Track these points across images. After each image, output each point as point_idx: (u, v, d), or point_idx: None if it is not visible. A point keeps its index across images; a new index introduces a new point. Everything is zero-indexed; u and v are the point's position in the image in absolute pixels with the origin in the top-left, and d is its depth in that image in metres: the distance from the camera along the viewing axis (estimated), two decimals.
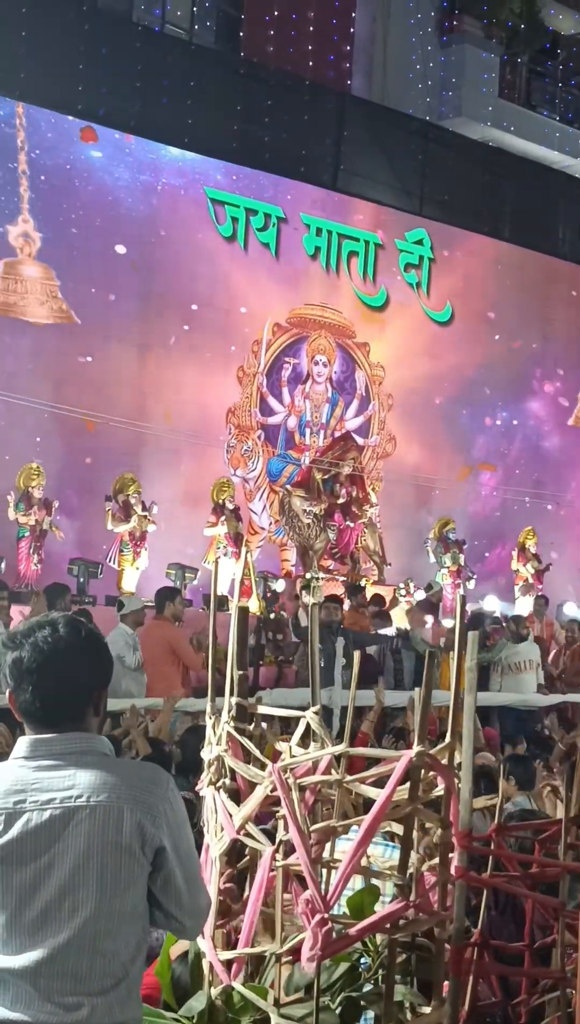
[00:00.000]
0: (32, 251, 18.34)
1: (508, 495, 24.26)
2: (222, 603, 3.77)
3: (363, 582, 19.13)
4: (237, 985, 3.31)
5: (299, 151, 21.35)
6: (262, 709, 3.83)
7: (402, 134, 22.79)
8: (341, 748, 3.35)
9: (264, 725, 3.75)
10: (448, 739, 3.33)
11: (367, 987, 3.41)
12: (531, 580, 22.02)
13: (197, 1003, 3.40)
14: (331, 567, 19.55)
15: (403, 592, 19.59)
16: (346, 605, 15.26)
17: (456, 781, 3.25)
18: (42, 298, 18.44)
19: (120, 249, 19.01)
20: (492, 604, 20.67)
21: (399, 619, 18.05)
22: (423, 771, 3.25)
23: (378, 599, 17.40)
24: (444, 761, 3.30)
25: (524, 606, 20.60)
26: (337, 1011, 3.31)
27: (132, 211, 19.28)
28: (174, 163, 19.83)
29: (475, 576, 21.82)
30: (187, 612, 13.39)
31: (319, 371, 21.53)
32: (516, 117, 25.74)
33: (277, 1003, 3.22)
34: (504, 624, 17.33)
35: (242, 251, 20.73)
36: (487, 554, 23.58)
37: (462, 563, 21.28)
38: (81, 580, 16.74)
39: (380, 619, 16.47)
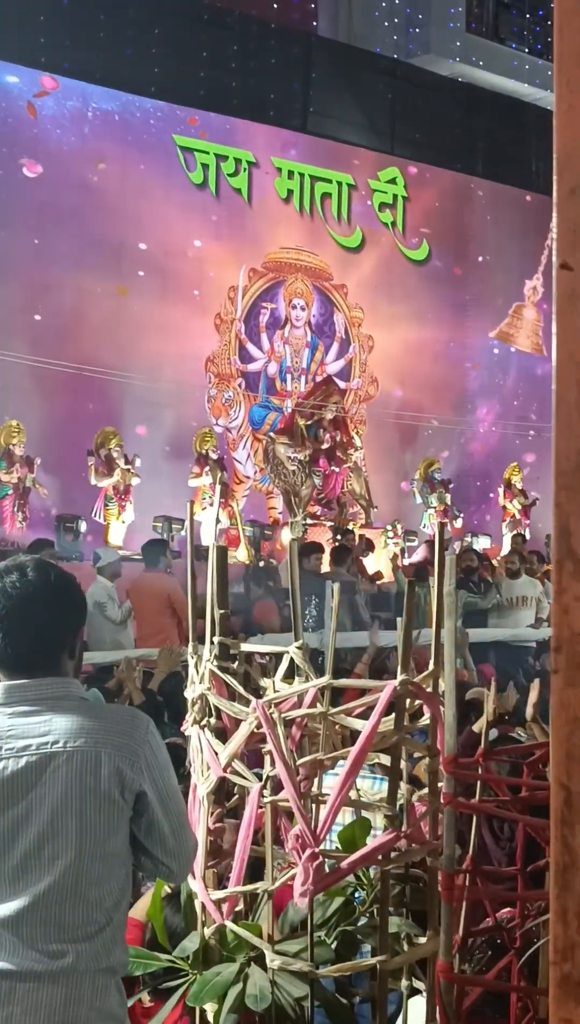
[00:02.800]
0: None
1: (503, 430, 24.23)
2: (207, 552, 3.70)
3: (350, 526, 19.11)
4: (230, 924, 3.29)
5: (267, 95, 21.17)
6: (245, 647, 3.79)
7: (370, 73, 22.58)
8: (325, 680, 3.31)
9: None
10: (431, 666, 3.30)
11: (362, 921, 3.39)
12: (518, 516, 22.02)
13: (190, 944, 3.38)
14: (318, 512, 19.51)
15: (390, 535, 19.60)
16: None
17: (442, 708, 3.21)
18: None
19: (92, 201, 18.81)
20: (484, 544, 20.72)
21: (387, 561, 18.07)
22: (408, 700, 3.22)
23: (366, 542, 17.38)
24: (429, 689, 3.27)
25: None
26: (333, 946, 3.28)
27: (102, 162, 19.07)
28: (141, 112, 19.61)
29: (462, 515, 21.82)
30: (176, 564, 13.34)
31: (297, 315, 21.42)
32: (485, 51, 25.49)
33: (271, 940, 3.20)
34: (492, 563, 17.34)
35: (214, 198, 20.56)
36: (484, 491, 23.56)
37: (448, 503, 21.27)
38: (72, 538, 16.72)
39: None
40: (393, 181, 22.96)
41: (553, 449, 1.16)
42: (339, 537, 16.69)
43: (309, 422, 19.66)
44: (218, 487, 4.70)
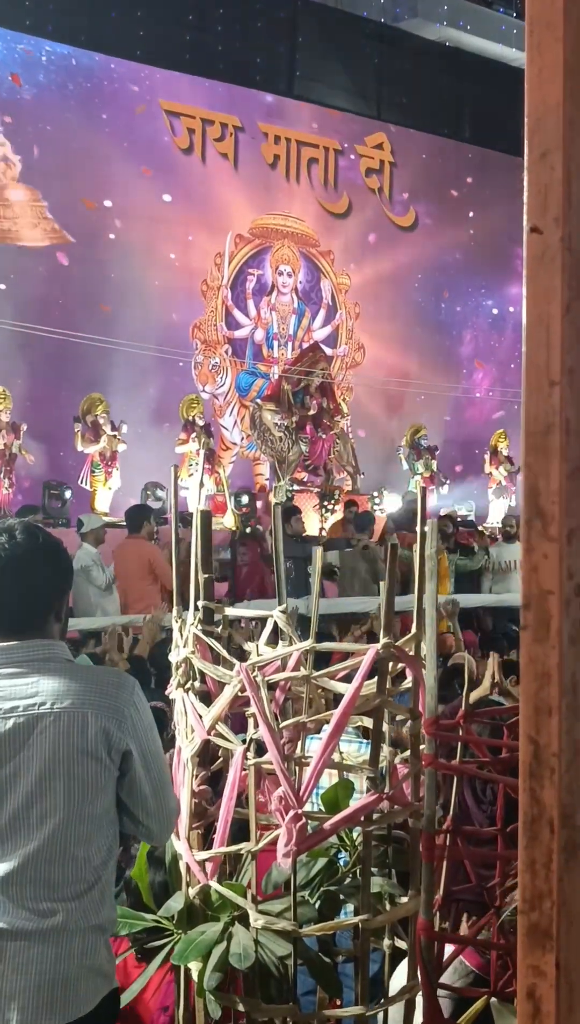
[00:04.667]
0: None
1: (491, 396, 24.25)
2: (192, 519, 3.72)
3: (337, 493, 19.14)
4: (214, 884, 3.32)
5: (253, 59, 21.07)
6: (229, 611, 3.81)
7: (357, 37, 22.47)
8: (308, 644, 3.33)
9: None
10: (414, 630, 3.32)
11: (345, 881, 3.42)
12: (504, 482, 22.05)
13: (175, 903, 3.41)
14: (305, 479, 19.52)
15: (377, 501, 19.63)
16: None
17: (423, 671, 3.23)
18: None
19: (77, 166, 18.72)
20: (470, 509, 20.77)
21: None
22: (391, 663, 3.24)
23: (353, 506, 17.42)
24: (411, 652, 3.29)
25: (498, 509, 20.65)
26: (316, 905, 3.31)
27: (86, 128, 18.97)
28: (127, 76, 19.50)
29: (448, 481, 21.86)
30: (162, 530, 13.35)
31: (284, 282, 21.37)
32: (471, 15, 25.36)
33: (255, 900, 3.23)
34: (480, 529, 17.40)
35: (200, 163, 20.47)
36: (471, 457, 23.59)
37: (434, 469, 21.30)
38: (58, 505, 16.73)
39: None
40: (380, 146, 22.90)
41: (523, 410, 1.18)
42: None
43: (296, 388, 19.65)
44: (203, 453, 4.70)
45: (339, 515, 17.81)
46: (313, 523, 17.99)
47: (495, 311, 24.86)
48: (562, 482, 1.15)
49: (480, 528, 18.69)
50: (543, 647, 1.15)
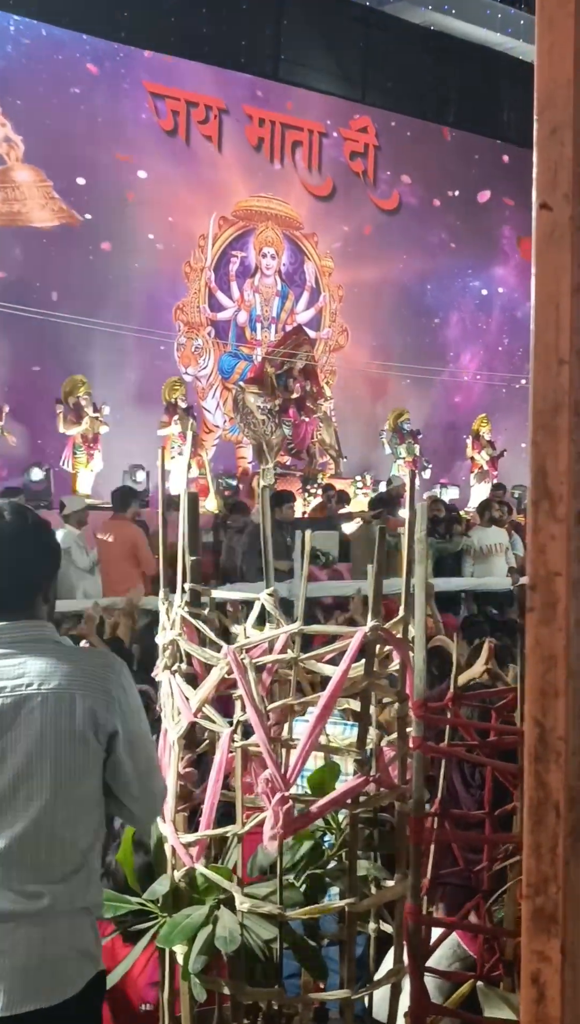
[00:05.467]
0: None
1: (474, 380, 24.25)
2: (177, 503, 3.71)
3: (320, 476, 19.13)
4: (200, 867, 3.31)
5: (238, 41, 20.96)
6: (217, 594, 3.80)
7: (342, 21, 22.35)
8: (295, 627, 3.32)
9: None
10: (401, 612, 3.32)
11: (331, 864, 3.42)
12: (486, 467, 22.07)
13: (161, 886, 3.40)
14: (288, 463, 19.50)
15: (360, 485, 19.63)
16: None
17: (411, 654, 3.23)
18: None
19: (62, 148, 18.62)
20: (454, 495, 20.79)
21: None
22: (378, 646, 3.23)
23: (331, 489, 17.43)
24: (399, 635, 3.28)
25: (480, 493, 20.65)
26: (301, 889, 3.31)
27: (71, 108, 18.87)
28: (111, 58, 19.40)
29: (431, 466, 21.87)
30: (146, 512, 13.32)
31: (267, 264, 21.31)
32: None
33: (241, 883, 3.22)
34: (462, 512, 17.42)
35: (184, 145, 20.39)
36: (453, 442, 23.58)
37: (417, 453, 21.30)
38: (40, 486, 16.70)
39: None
40: (364, 130, 22.84)
41: (531, 389, 1.17)
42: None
43: (279, 371, 19.61)
44: (189, 435, 4.69)
45: (321, 499, 17.82)
46: (296, 507, 17.98)
47: (484, 292, 24.85)
48: (570, 463, 1.14)
49: (462, 512, 18.72)
50: (550, 629, 1.14)
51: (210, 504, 17.52)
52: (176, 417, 18.40)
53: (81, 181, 18.90)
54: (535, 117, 1.16)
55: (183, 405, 18.70)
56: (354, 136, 22.69)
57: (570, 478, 1.13)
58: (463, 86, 24.01)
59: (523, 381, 24.97)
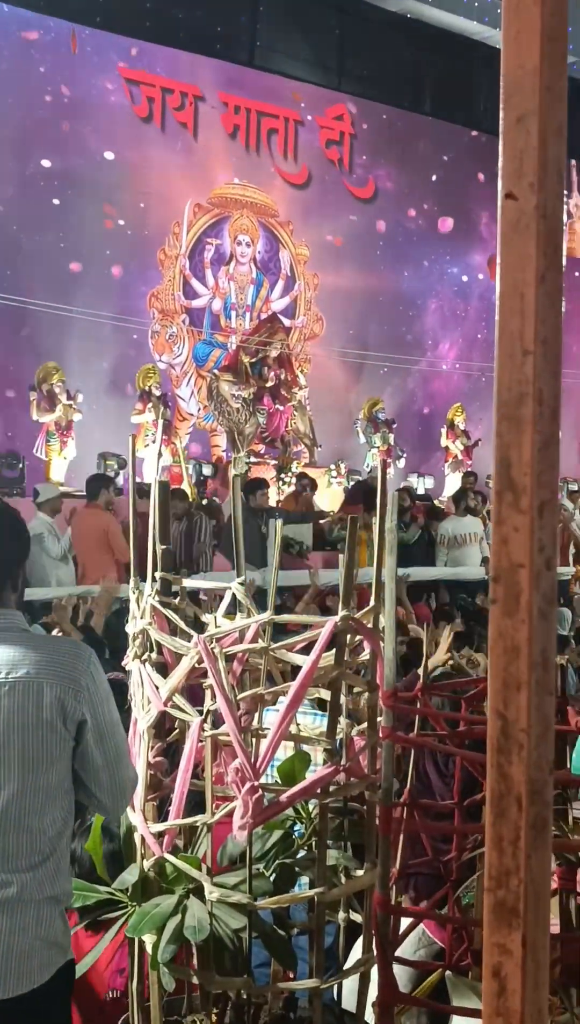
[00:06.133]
0: None
1: (451, 369, 24.27)
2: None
3: (294, 465, 19.13)
4: (169, 856, 3.31)
5: (215, 28, 20.89)
6: (187, 583, 3.79)
7: (318, 8, 22.30)
8: (266, 616, 3.31)
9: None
10: (372, 602, 3.31)
11: (301, 853, 3.42)
12: (460, 456, 22.11)
13: (130, 876, 3.40)
14: (262, 451, 19.49)
15: (334, 474, 19.64)
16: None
17: (382, 643, 3.23)
18: None
19: (36, 133, 18.54)
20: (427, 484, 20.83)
21: (332, 501, 18.13)
22: (349, 635, 3.23)
23: (305, 478, 17.45)
24: (369, 625, 3.28)
25: (454, 482, 20.69)
26: (271, 878, 3.31)
27: (46, 94, 18.79)
28: (86, 43, 19.30)
29: (405, 454, 21.89)
30: (119, 501, 13.30)
31: (242, 251, 21.28)
32: None
33: (210, 872, 3.22)
34: (436, 502, 17.45)
35: (160, 132, 20.33)
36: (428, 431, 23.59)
37: (391, 442, 21.31)
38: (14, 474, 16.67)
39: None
40: (340, 118, 22.81)
41: (495, 380, 1.16)
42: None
43: (253, 359, 19.60)
44: (161, 424, 4.67)
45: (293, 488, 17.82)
46: (270, 496, 17.98)
47: (464, 279, 24.85)
48: (534, 454, 1.13)
49: (435, 501, 18.77)
50: (512, 621, 1.14)
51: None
52: (150, 405, 18.36)
53: (53, 166, 18.80)
54: (501, 105, 1.15)
55: (157, 393, 18.67)
56: (330, 124, 22.66)
57: (534, 469, 1.13)
58: (439, 74, 24.00)
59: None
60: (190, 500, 16.01)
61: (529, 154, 1.14)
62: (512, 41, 1.16)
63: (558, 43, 1.16)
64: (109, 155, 19.46)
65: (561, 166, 1.15)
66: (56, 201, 18.88)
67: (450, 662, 5.33)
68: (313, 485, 17.43)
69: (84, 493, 12.94)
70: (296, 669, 3.21)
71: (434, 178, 24.14)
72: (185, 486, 17.58)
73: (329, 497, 18.53)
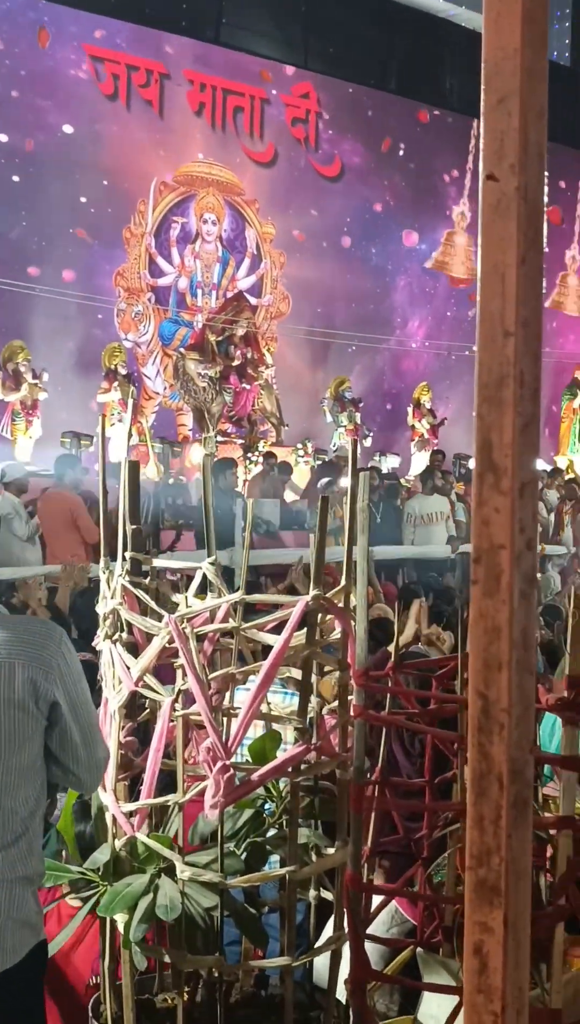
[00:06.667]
0: None
1: (415, 349, 24.29)
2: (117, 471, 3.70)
3: (261, 444, 19.11)
4: (141, 836, 3.31)
5: (180, 5, 20.79)
6: (157, 562, 3.79)
7: None
8: (237, 596, 3.32)
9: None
10: (343, 582, 3.32)
11: (272, 832, 3.43)
12: (426, 435, 22.14)
13: (102, 855, 3.40)
14: (229, 430, 19.46)
15: (301, 453, 19.63)
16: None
17: (353, 623, 3.24)
18: None
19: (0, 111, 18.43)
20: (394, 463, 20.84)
21: (299, 480, 18.14)
22: (320, 615, 3.24)
23: (272, 457, 17.45)
24: (340, 604, 3.29)
25: (420, 461, 20.73)
26: (242, 857, 3.32)
27: (10, 71, 18.64)
28: (52, 20, 19.16)
29: (371, 433, 21.90)
30: (85, 480, 13.26)
31: (208, 230, 21.20)
32: None
33: (182, 851, 3.23)
34: (403, 480, 17.48)
35: (125, 109, 20.21)
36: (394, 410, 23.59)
37: (358, 421, 21.32)
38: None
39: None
40: (306, 95, 22.73)
41: (476, 361, 1.17)
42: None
43: (220, 338, 19.55)
44: (130, 403, 4.66)
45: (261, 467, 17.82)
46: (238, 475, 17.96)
47: (426, 263, 24.87)
48: (515, 435, 1.14)
49: (402, 480, 18.81)
50: (493, 601, 1.14)
51: (150, 471, 17.45)
52: (116, 383, 18.31)
53: (13, 142, 18.67)
54: (482, 87, 1.16)
55: (123, 371, 18.61)
56: (296, 102, 22.60)
57: (515, 451, 1.13)
58: (405, 53, 23.94)
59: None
60: (157, 479, 16.02)
61: (510, 136, 1.14)
62: (493, 24, 1.16)
63: (538, 25, 1.16)
64: (72, 131, 19.33)
65: (542, 148, 1.15)
66: (16, 178, 18.76)
67: (426, 633, 5.36)
68: (288, 469, 17.45)
69: (51, 473, 12.89)
70: (267, 649, 3.22)
71: (400, 155, 24.09)
72: (151, 465, 17.56)
73: (296, 476, 18.52)
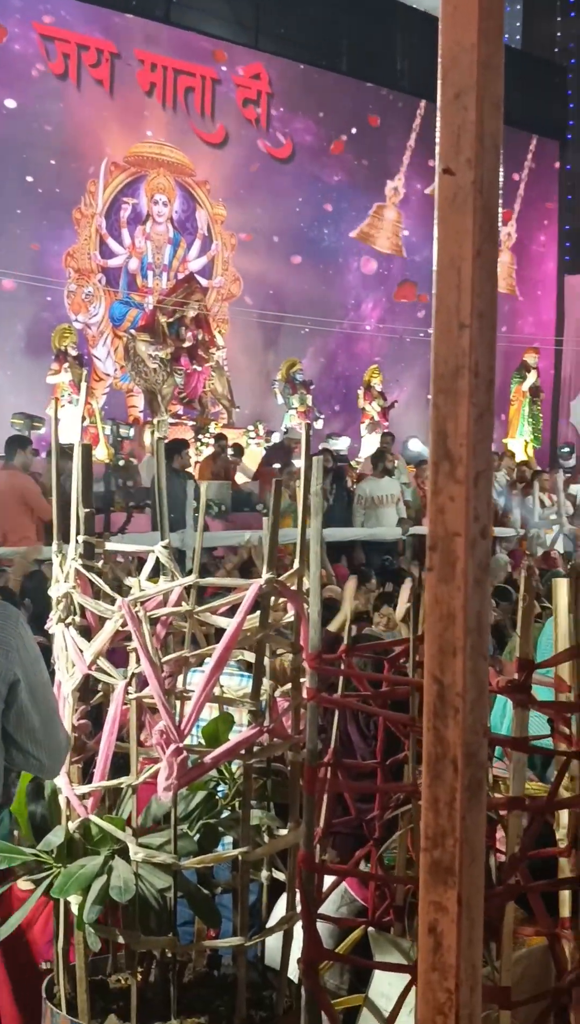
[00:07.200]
0: None
1: (365, 331, 24.30)
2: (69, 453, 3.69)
3: (212, 426, 19.10)
4: (94, 817, 3.32)
5: None
6: (110, 546, 3.79)
7: None
8: (190, 579, 3.33)
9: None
10: (296, 565, 3.34)
11: (225, 814, 3.45)
12: (377, 418, 22.18)
13: (55, 837, 3.41)
14: (180, 412, 19.42)
15: (253, 435, 19.63)
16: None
17: (306, 605, 3.26)
18: None
19: None
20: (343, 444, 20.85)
21: (251, 462, 18.14)
22: (273, 598, 3.26)
23: (223, 439, 17.45)
24: (294, 587, 3.31)
25: (371, 444, 20.76)
26: (195, 838, 3.34)
27: None
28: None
29: (323, 416, 21.91)
30: (36, 462, 13.20)
31: (159, 211, 21.11)
32: None
33: (135, 833, 3.24)
34: (353, 463, 17.53)
35: (75, 89, 20.07)
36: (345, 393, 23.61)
37: (309, 403, 21.33)
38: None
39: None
40: (257, 76, 22.65)
41: (432, 352, 1.18)
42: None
43: (170, 320, 19.48)
44: (84, 386, 4.66)
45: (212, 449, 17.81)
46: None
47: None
48: (470, 425, 1.16)
49: (352, 463, 18.86)
50: (449, 588, 1.17)
51: (100, 453, 17.39)
52: (66, 365, 18.22)
53: None
54: (439, 80, 1.17)
55: (73, 353, 18.52)
56: (247, 83, 22.51)
57: (469, 440, 1.15)
58: (357, 34, 23.86)
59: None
60: (108, 461, 15.97)
61: (467, 130, 1.16)
62: (450, 18, 1.17)
63: (494, 20, 1.18)
64: (19, 108, 19.16)
65: (498, 141, 1.17)
66: None
67: (381, 615, 5.37)
68: (239, 450, 17.46)
69: (2, 455, 12.83)
70: (221, 632, 3.23)
71: (352, 136, 24.07)
72: (102, 447, 17.50)
73: (247, 458, 18.51)
